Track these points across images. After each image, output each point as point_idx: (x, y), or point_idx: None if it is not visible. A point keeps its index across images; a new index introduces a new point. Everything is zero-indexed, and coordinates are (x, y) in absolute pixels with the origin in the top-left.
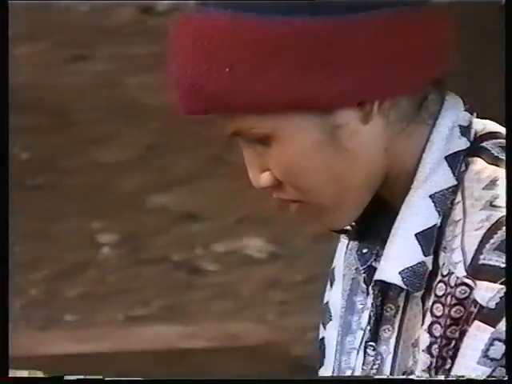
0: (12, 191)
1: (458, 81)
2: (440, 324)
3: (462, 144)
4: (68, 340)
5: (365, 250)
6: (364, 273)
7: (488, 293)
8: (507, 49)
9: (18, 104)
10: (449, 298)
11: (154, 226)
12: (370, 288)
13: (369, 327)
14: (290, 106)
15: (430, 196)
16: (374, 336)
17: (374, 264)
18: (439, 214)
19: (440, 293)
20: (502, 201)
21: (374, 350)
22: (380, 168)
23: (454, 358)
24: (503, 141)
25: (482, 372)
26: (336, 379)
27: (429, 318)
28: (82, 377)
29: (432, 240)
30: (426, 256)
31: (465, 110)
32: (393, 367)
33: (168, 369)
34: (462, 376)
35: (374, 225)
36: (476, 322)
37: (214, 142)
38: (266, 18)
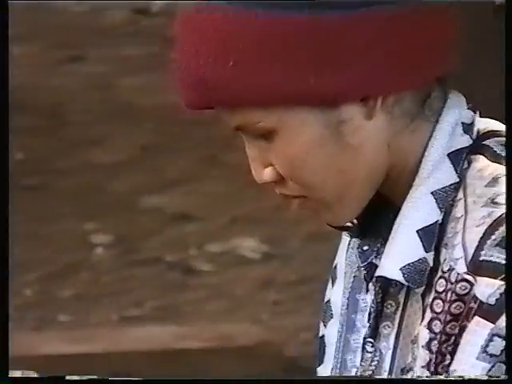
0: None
1: (456, 80)
2: (440, 320)
3: (465, 141)
4: (62, 341)
5: (365, 247)
6: (364, 270)
7: (488, 289)
8: (507, 49)
9: (12, 105)
10: (449, 294)
11: (147, 227)
12: (371, 285)
13: (368, 324)
14: (293, 100)
15: (432, 193)
16: (374, 332)
17: (374, 261)
18: (441, 211)
19: (440, 289)
20: (503, 198)
21: (372, 346)
22: (383, 164)
23: (453, 353)
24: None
25: (481, 368)
26: (335, 379)
27: (429, 314)
28: (83, 377)
29: (433, 236)
30: (427, 252)
31: (468, 109)
32: (392, 363)
33: (162, 369)
34: (462, 376)
35: (375, 222)
36: (476, 318)
37: (208, 143)
38: (271, 12)
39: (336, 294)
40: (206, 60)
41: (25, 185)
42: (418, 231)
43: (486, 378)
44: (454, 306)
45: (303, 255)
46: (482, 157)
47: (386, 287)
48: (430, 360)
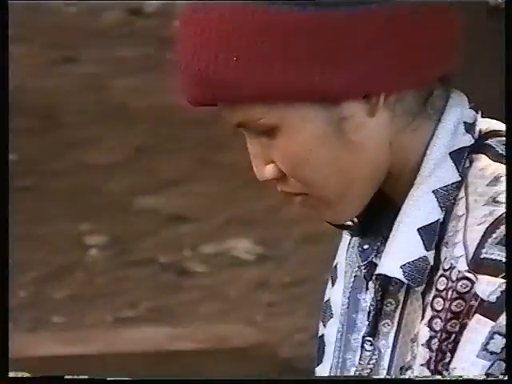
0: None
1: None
2: (440, 318)
3: (467, 140)
4: (56, 342)
5: (366, 246)
6: (364, 268)
7: (489, 287)
8: (507, 49)
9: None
10: (450, 292)
11: (142, 228)
12: (370, 283)
13: (367, 322)
14: (295, 97)
15: (433, 191)
16: (373, 331)
17: (374, 260)
18: (442, 210)
19: (441, 287)
20: (505, 197)
21: (371, 344)
22: (384, 162)
23: (453, 351)
24: None
25: (481, 365)
26: (335, 379)
27: (429, 313)
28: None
29: (434, 235)
30: (427, 251)
31: (470, 108)
32: (391, 362)
33: (156, 370)
34: (461, 376)
35: (375, 221)
36: (476, 316)
37: (203, 144)
38: (274, 7)
39: (336, 294)
40: (209, 56)
41: (19, 186)
42: (418, 229)
43: (485, 377)
44: (454, 303)
45: (297, 257)
46: (483, 156)
47: (385, 285)
48: (430, 358)
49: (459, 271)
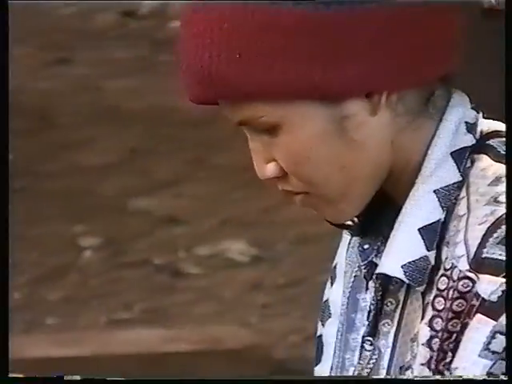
0: None
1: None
2: (441, 318)
3: (468, 140)
4: (50, 343)
5: (366, 246)
6: (364, 268)
7: (490, 286)
8: (507, 49)
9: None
10: (451, 292)
11: (136, 230)
12: (371, 283)
13: (367, 322)
14: (297, 95)
15: (435, 191)
16: (373, 331)
17: (374, 260)
18: (443, 210)
19: (442, 287)
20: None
21: (371, 344)
22: (386, 161)
23: (454, 351)
24: None
25: (483, 365)
26: (334, 379)
27: (430, 312)
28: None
29: (435, 235)
30: (428, 251)
31: (471, 108)
32: (390, 361)
33: (150, 372)
34: (461, 376)
35: (376, 220)
36: (478, 315)
37: (197, 145)
38: (277, 5)
39: (335, 294)
40: (211, 54)
41: (13, 187)
42: (419, 229)
43: (485, 378)
44: (455, 303)
45: (292, 258)
46: (485, 156)
47: (386, 285)
48: (431, 358)
49: (460, 271)
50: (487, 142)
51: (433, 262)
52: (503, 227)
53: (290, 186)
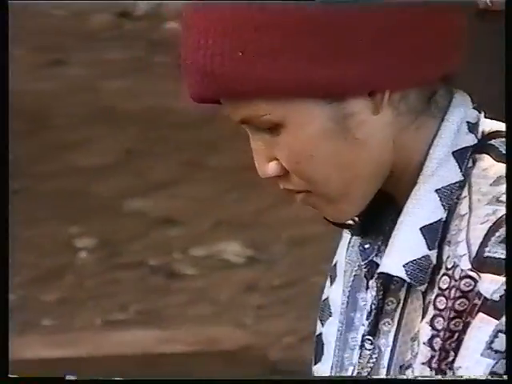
0: None
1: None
2: (443, 317)
3: (470, 140)
4: (45, 345)
5: (367, 246)
6: (365, 268)
7: (492, 285)
8: (507, 49)
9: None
10: (453, 291)
11: (131, 231)
12: (371, 282)
13: (368, 321)
14: (300, 92)
15: (436, 190)
16: (373, 330)
17: (375, 259)
18: (445, 209)
19: (444, 286)
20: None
21: (371, 343)
22: (387, 160)
23: (456, 350)
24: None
25: (485, 364)
26: (334, 379)
27: (431, 311)
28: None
29: (437, 234)
30: (430, 250)
31: (473, 108)
32: (390, 361)
33: (146, 373)
34: (461, 376)
35: (376, 220)
36: (480, 315)
37: (192, 146)
38: (280, 2)
39: (335, 293)
40: (214, 51)
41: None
42: (421, 229)
43: (485, 378)
44: (458, 302)
45: (287, 259)
46: (487, 156)
47: (387, 284)
48: (432, 357)
49: (462, 270)
50: (489, 142)
51: (434, 262)
52: (505, 226)
53: (292, 185)
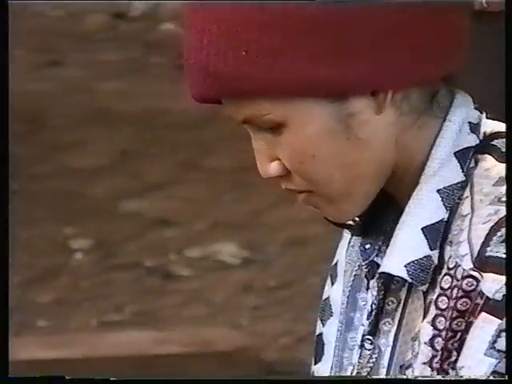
0: None
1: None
2: (445, 317)
3: (472, 140)
4: (41, 346)
5: (367, 246)
6: (366, 268)
7: (495, 284)
8: (507, 49)
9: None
10: (455, 291)
11: (127, 232)
12: (373, 282)
13: (368, 321)
14: (303, 92)
15: (438, 191)
16: (374, 330)
17: (375, 259)
18: (446, 209)
19: (446, 286)
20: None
21: (371, 343)
22: (390, 160)
23: (459, 350)
24: None
25: (488, 363)
26: (333, 379)
27: (433, 311)
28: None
29: (439, 234)
30: (432, 250)
31: (475, 108)
32: (391, 360)
33: (141, 374)
34: (461, 376)
35: (377, 220)
36: (483, 314)
37: (188, 147)
38: (280, 2)
39: (336, 292)
40: (218, 50)
41: None
42: (423, 229)
43: (485, 378)
44: (460, 302)
45: (283, 260)
46: (489, 156)
47: (387, 284)
48: (433, 356)
49: (464, 269)
50: (491, 143)
51: (436, 262)
52: (506, 227)
53: (293, 185)
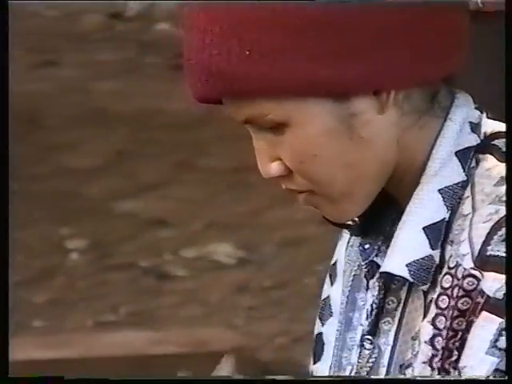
0: None
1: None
2: (445, 316)
3: (473, 140)
4: (37, 346)
5: (367, 246)
6: (365, 268)
7: (495, 283)
8: (507, 49)
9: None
10: (456, 290)
11: (122, 232)
12: (372, 282)
13: (367, 321)
14: (304, 91)
15: (439, 190)
16: (374, 329)
17: (375, 259)
18: (447, 209)
19: (446, 285)
20: None
21: (371, 343)
22: (391, 160)
23: (460, 349)
24: None
25: (490, 362)
26: (333, 379)
27: (433, 311)
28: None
29: (440, 234)
30: (433, 250)
31: (475, 108)
32: (390, 360)
33: (137, 374)
34: (461, 375)
35: (376, 220)
36: (483, 313)
37: (183, 148)
38: (281, 2)
39: (335, 292)
40: (221, 50)
41: None
42: (424, 228)
43: (485, 378)
44: (461, 301)
45: (278, 260)
46: (490, 156)
47: (388, 283)
48: (433, 356)
49: (465, 269)
50: (492, 143)
51: (437, 261)
52: (506, 227)
53: (295, 185)
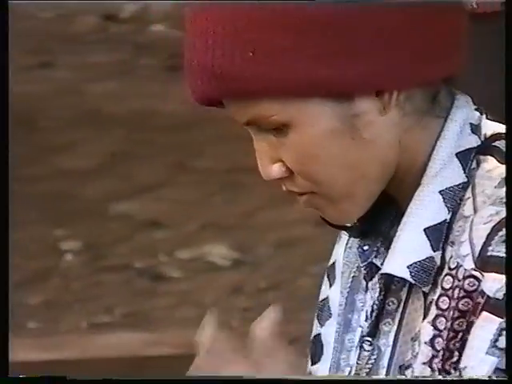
0: None
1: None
2: (445, 317)
3: (473, 141)
4: (31, 348)
5: (366, 247)
6: (364, 269)
7: (496, 284)
8: (507, 49)
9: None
10: (456, 291)
11: (117, 234)
12: (372, 283)
13: (367, 323)
14: (308, 92)
15: (440, 192)
16: (373, 330)
17: (374, 260)
18: (448, 210)
19: (447, 286)
20: None
21: (370, 344)
22: (393, 161)
23: (461, 350)
24: None
25: (491, 362)
26: (333, 379)
27: (433, 311)
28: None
29: (441, 235)
30: (434, 251)
31: (475, 109)
32: (390, 360)
33: (132, 376)
34: (461, 376)
35: (375, 221)
36: (484, 313)
37: (178, 149)
38: (281, 2)
39: (334, 294)
40: (224, 50)
41: None
42: (425, 230)
43: (485, 378)
44: (461, 302)
45: (273, 262)
46: (491, 158)
47: (388, 284)
48: (433, 356)
49: (466, 270)
50: (493, 144)
51: (438, 263)
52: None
53: (296, 187)
